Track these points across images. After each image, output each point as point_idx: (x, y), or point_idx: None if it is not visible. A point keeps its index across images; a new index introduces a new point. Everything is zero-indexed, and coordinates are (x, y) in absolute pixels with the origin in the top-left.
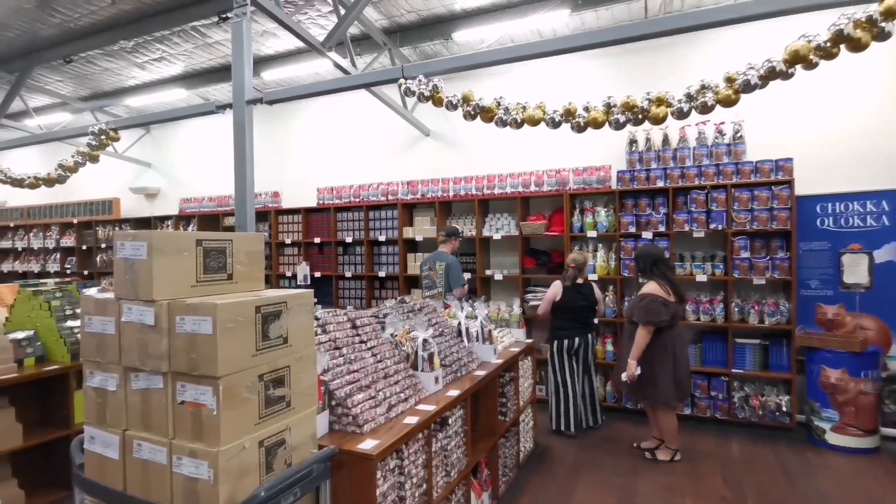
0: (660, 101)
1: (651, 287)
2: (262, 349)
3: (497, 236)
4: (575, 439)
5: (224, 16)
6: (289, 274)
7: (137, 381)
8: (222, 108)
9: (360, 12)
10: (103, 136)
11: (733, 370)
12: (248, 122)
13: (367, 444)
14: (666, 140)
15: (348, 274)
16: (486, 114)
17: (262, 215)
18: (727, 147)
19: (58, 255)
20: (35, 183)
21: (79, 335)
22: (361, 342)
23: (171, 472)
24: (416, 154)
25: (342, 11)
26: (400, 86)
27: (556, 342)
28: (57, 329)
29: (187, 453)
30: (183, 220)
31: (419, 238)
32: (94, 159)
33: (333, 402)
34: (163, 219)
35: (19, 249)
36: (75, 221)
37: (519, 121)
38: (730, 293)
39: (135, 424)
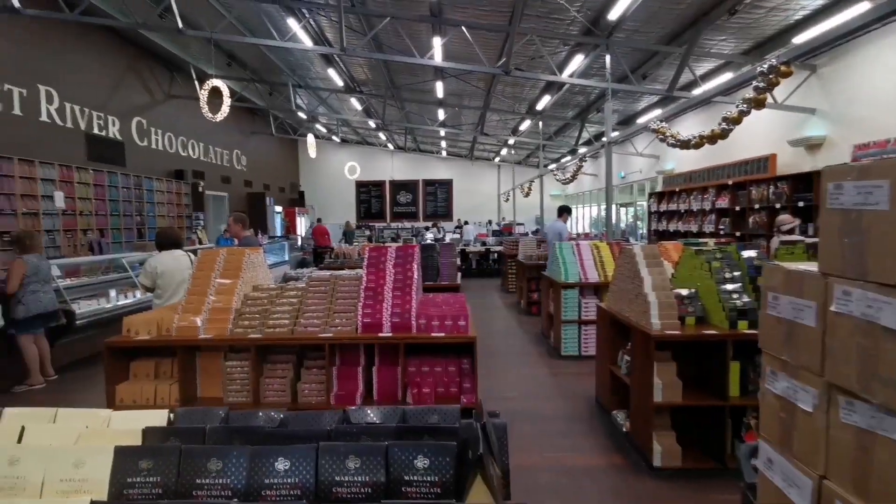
0: None
1: None
2: None
3: None
4: None
5: None
6: None
7: (851, 414)
8: None
9: None
10: (772, 75)
11: None
12: None
13: None
14: None
15: None
16: None
17: None
18: None
19: (713, 217)
20: (699, 142)
21: (738, 301)
22: None
23: None
24: None
25: None
26: None
27: None
28: (717, 291)
29: None
30: None
31: None
32: (760, 104)
33: None
34: None
35: (682, 211)
36: (730, 183)
37: None
38: None
39: (839, 476)
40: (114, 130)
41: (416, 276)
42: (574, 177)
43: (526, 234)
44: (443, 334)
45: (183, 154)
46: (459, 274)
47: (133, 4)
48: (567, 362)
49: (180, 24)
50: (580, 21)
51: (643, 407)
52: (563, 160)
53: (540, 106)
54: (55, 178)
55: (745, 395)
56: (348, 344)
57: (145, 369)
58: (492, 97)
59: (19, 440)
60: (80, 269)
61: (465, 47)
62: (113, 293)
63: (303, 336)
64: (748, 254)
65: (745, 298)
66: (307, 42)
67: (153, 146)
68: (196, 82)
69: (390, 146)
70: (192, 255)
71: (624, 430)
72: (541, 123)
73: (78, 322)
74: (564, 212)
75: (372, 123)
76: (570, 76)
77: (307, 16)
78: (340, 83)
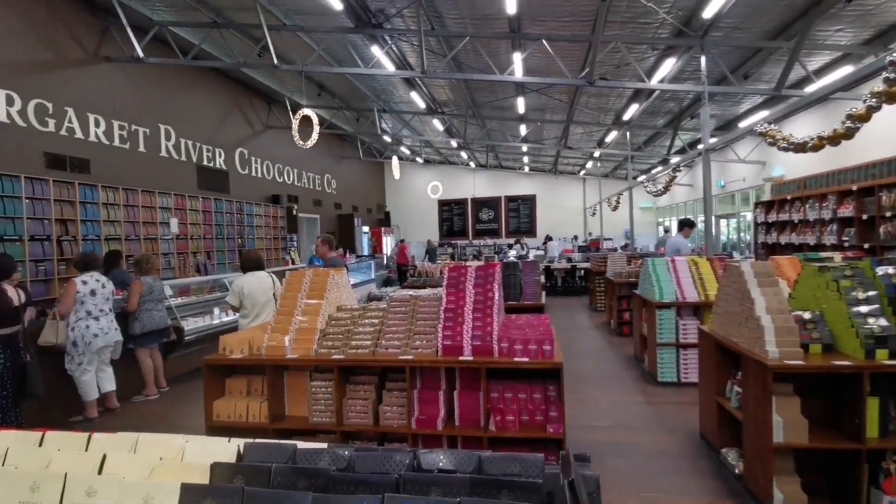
0: None
1: None
2: None
3: None
4: None
5: None
6: None
7: None
8: None
9: None
10: None
11: None
12: None
13: None
14: None
15: None
16: None
17: None
18: None
19: (834, 227)
20: (819, 144)
21: (874, 326)
22: None
23: None
24: None
25: None
26: None
27: None
28: (848, 315)
29: None
30: None
31: None
32: (893, 97)
33: None
34: None
35: (795, 221)
36: (854, 188)
37: None
38: None
39: None
40: (220, 161)
41: (496, 296)
42: (667, 188)
43: (614, 250)
44: (526, 359)
45: (279, 180)
46: (544, 293)
47: (235, 46)
48: (664, 389)
49: (275, 61)
50: (670, 23)
51: (760, 447)
52: (653, 171)
53: (627, 116)
54: (171, 207)
55: (885, 436)
56: (429, 367)
57: (238, 386)
58: (575, 109)
59: (100, 469)
60: (189, 289)
61: (546, 60)
62: (216, 311)
63: (384, 358)
64: (885, 270)
65: (884, 322)
66: (390, 67)
67: (253, 174)
68: (290, 112)
69: (472, 164)
70: (274, 276)
71: (736, 471)
72: (628, 134)
73: (186, 338)
74: (686, 226)
75: (454, 143)
76: (661, 82)
77: (389, 42)
78: (423, 105)
